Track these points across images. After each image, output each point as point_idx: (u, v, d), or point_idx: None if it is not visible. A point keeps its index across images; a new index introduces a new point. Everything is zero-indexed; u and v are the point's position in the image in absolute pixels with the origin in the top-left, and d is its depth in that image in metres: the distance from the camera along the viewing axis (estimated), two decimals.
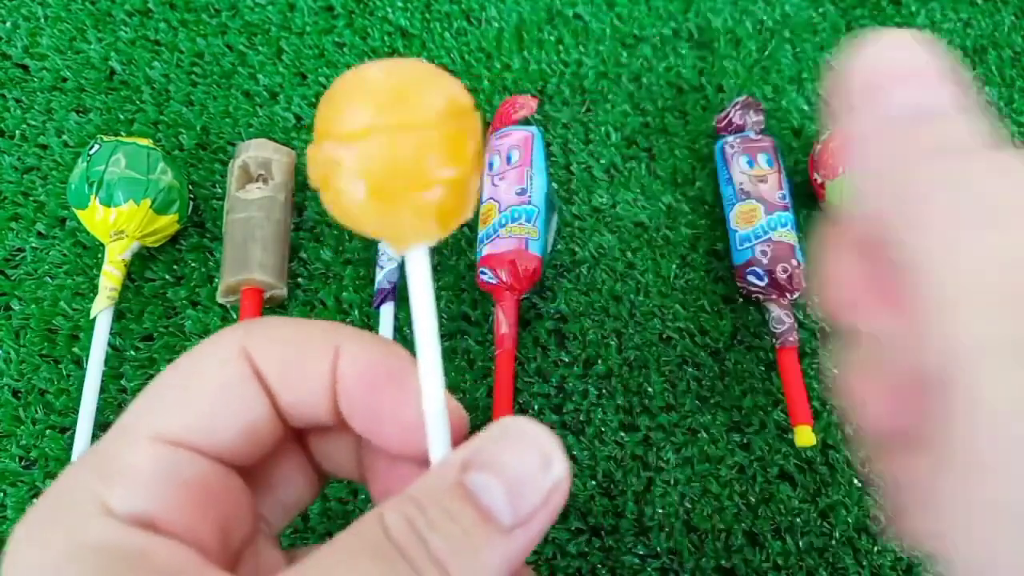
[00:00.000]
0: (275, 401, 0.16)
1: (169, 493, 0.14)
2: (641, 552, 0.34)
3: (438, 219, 0.15)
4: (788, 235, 0.38)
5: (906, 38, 0.14)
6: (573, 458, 0.35)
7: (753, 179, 0.39)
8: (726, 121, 0.41)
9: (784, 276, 0.37)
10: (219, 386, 0.15)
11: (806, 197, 0.41)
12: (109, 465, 0.15)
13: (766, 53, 0.46)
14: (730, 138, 0.41)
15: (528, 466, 0.14)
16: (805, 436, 0.34)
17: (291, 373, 0.16)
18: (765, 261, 0.37)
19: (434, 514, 0.13)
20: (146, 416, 0.15)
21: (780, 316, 0.37)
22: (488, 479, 0.14)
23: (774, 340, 0.37)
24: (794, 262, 0.37)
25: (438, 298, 0.39)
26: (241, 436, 0.16)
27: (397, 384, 0.16)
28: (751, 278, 0.37)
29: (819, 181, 0.39)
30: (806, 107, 0.45)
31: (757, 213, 0.38)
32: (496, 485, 0.14)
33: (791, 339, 0.36)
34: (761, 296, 0.38)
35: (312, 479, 0.19)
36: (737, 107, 0.41)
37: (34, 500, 0.33)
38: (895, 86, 0.14)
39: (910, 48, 0.14)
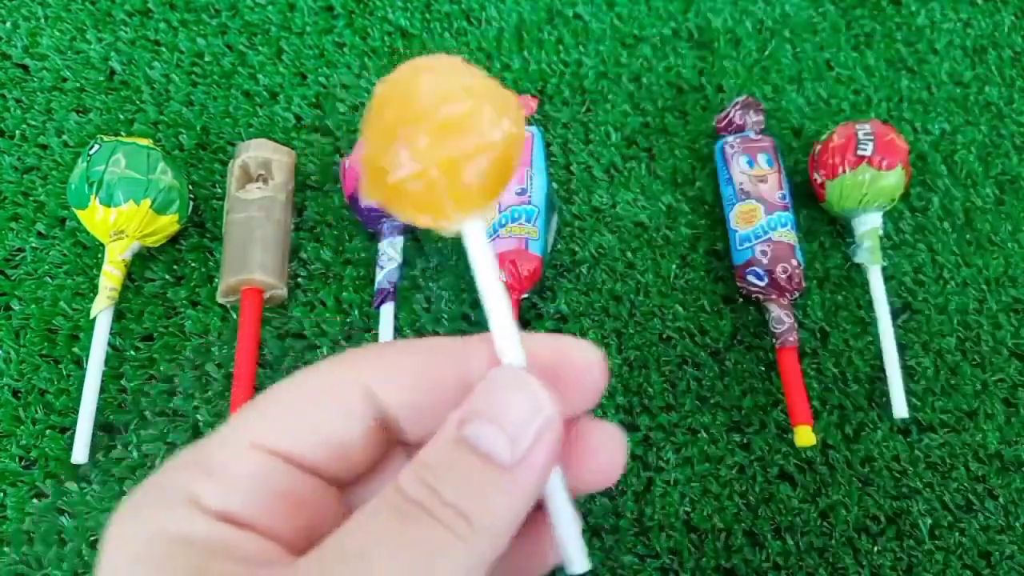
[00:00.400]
0: (400, 426, 0.17)
1: (259, 496, 0.15)
2: (641, 552, 0.34)
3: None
4: (788, 235, 0.38)
5: None
6: None
7: (753, 179, 0.39)
8: (726, 121, 0.41)
9: (784, 276, 0.37)
10: (325, 405, 0.16)
11: (806, 197, 0.41)
12: (205, 464, 0.15)
13: (766, 53, 0.46)
14: (730, 138, 0.41)
15: (519, 409, 0.15)
16: (805, 436, 0.34)
17: (414, 392, 0.17)
18: (765, 261, 0.37)
19: (441, 468, 0.15)
20: (251, 423, 0.16)
21: (780, 316, 0.37)
22: (483, 427, 0.15)
23: (774, 340, 0.37)
24: (794, 262, 0.37)
25: (438, 299, 0.39)
26: (348, 459, 0.16)
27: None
28: (751, 278, 0.37)
29: (819, 181, 0.39)
30: (806, 107, 0.45)
31: (757, 213, 0.38)
32: (492, 431, 0.15)
33: (791, 339, 0.36)
34: (761, 296, 0.38)
35: None
36: (737, 107, 0.41)
37: (34, 500, 0.33)
38: None
39: None
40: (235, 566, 0.14)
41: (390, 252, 0.37)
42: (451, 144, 0.15)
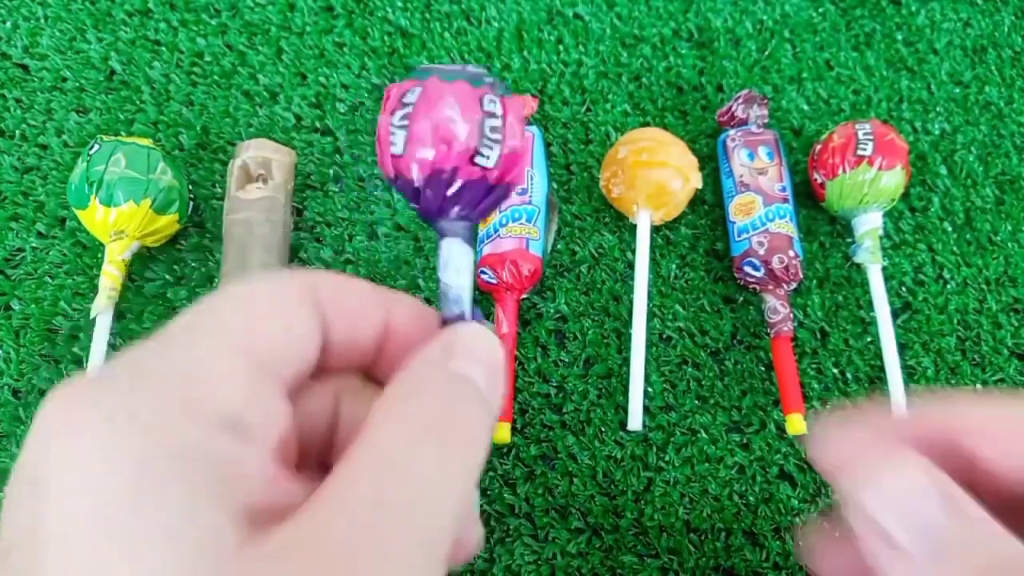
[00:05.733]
0: (327, 340, 0.17)
1: (258, 410, 0.14)
2: (641, 552, 0.34)
3: None
4: (786, 226, 0.38)
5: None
6: (573, 458, 0.35)
7: (753, 171, 0.39)
8: (728, 115, 0.41)
9: (780, 266, 0.37)
10: (294, 314, 0.16)
11: (805, 197, 0.41)
12: (196, 372, 0.14)
13: (766, 53, 0.46)
14: (732, 132, 0.41)
15: (490, 356, 0.17)
16: (796, 424, 0.34)
17: (352, 318, 0.17)
18: (762, 252, 0.37)
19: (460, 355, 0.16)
20: (229, 327, 0.15)
21: (775, 306, 0.37)
22: (467, 364, 0.16)
23: (769, 330, 0.37)
24: (791, 252, 0.37)
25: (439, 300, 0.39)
26: (302, 370, 0.16)
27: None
28: (748, 268, 0.37)
29: (819, 181, 0.39)
30: (806, 107, 0.45)
31: (755, 205, 0.38)
32: (475, 369, 0.16)
33: (785, 328, 0.36)
34: (757, 286, 0.38)
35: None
36: (739, 101, 0.41)
37: None
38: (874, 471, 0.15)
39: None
40: (250, 487, 0.13)
41: (460, 262, 0.29)
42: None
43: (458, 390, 0.16)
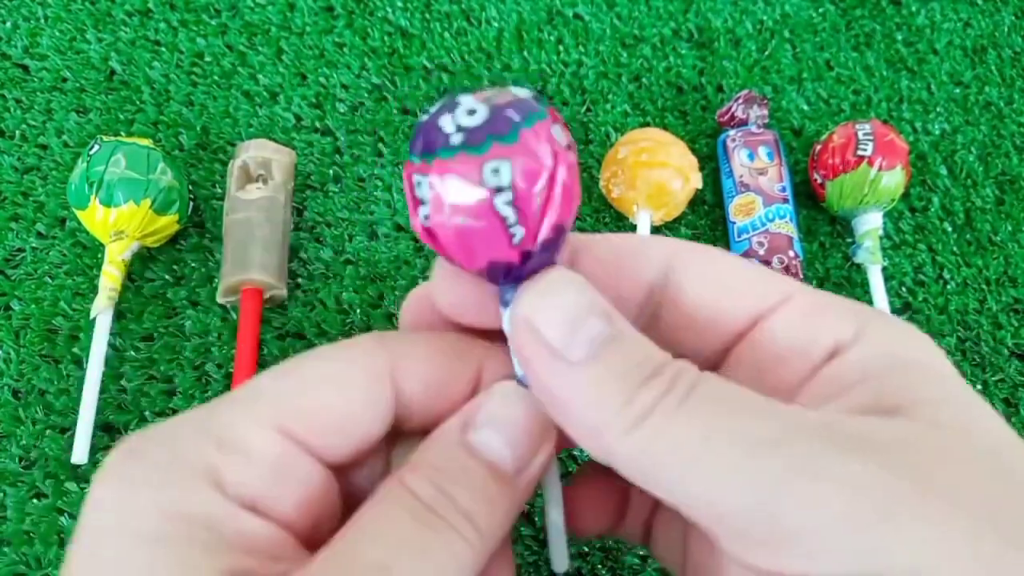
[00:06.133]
0: (405, 414, 0.17)
1: (280, 485, 0.15)
2: (641, 552, 0.34)
3: None
4: (786, 226, 0.38)
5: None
6: (573, 458, 0.35)
7: (753, 172, 0.39)
8: (728, 115, 0.41)
9: (780, 267, 0.37)
10: (354, 396, 0.16)
11: (805, 197, 0.41)
12: (225, 439, 0.14)
13: (766, 53, 0.46)
14: (732, 132, 0.41)
15: (522, 421, 0.16)
16: None
17: (437, 388, 0.17)
18: (762, 252, 0.37)
19: (451, 473, 0.15)
20: (280, 401, 0.15)
21: None
22: (489, 435, 0.15)
23: None
24: (791, 253, 0.37)
25: None
26: (357, 446, 0.16)
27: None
28: None
29: (819, 181, 0.39)
30: (806, 107, 0.45)
31: (755, 205, 0.38)
32: (497, 440, 0.15)
33: None
34: None
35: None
36: (739, 101, 0.41)
37: (34, 500, 0.33)
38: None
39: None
40: (252, 559, 0.13)
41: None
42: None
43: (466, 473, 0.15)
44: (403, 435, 0.18)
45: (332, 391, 0.16)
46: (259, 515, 0.14)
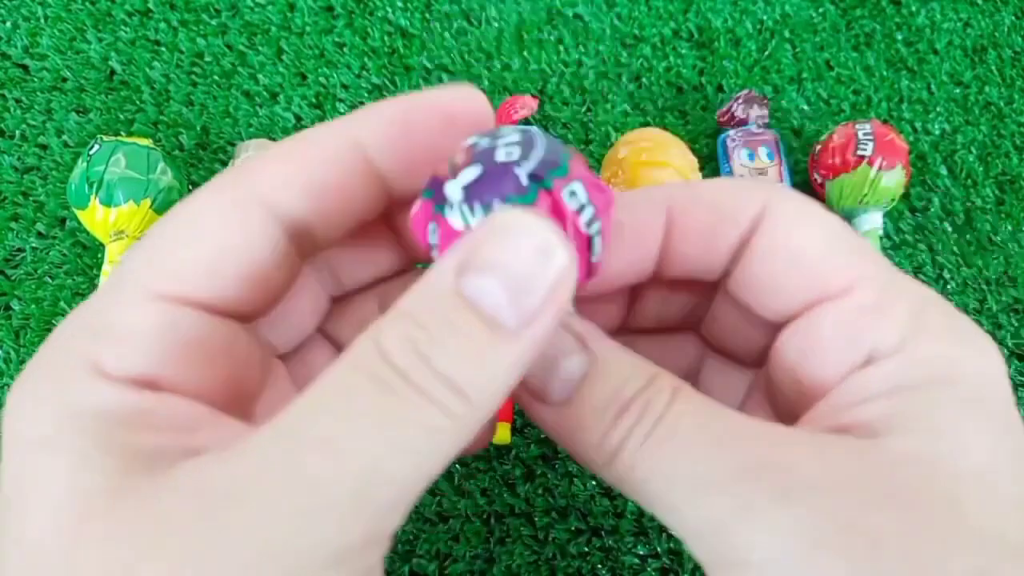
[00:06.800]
0: (321, 237, 0.15)
1: (168, 353, 0.13)
2: (641, 552, 0.34)
3: None
4: None
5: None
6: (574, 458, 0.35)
7: (753, 172, 0.39)
8: (728, 115, 0.41)
9: None
10: (224, 238, 0.14)
11: None
12: (102, 325, 0.13)
13: (766, 53, 0.46)
14: (732, 132, 0.41)
15: (527, 260, 0.13)
16: None
17: (341, 201, 0.15)
18: None
19: (435, 328, 0.12)
20: (144, 270, 0.14)
21: None
22: (486, 281, 0.12)
23: None
24: None
25: None
26: (252, 291, 0.14)
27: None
28: None
29: (819, 181, 0.39)
30: (806, 107, 0.45)
31: None
32: (496, 286, 0.12)
33: None
34: None
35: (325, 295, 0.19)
36: (739, 101, 0.41)
37: None
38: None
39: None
40: (159, 435, 0.13)
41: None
42: None
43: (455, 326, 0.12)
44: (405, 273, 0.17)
45: (194, 235, 0.14)
46: (156, 390, 0.13)
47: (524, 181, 0.14)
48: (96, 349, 0.13)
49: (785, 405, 0.17)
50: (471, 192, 0.14)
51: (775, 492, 0.13)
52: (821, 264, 0.16)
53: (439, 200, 0.14)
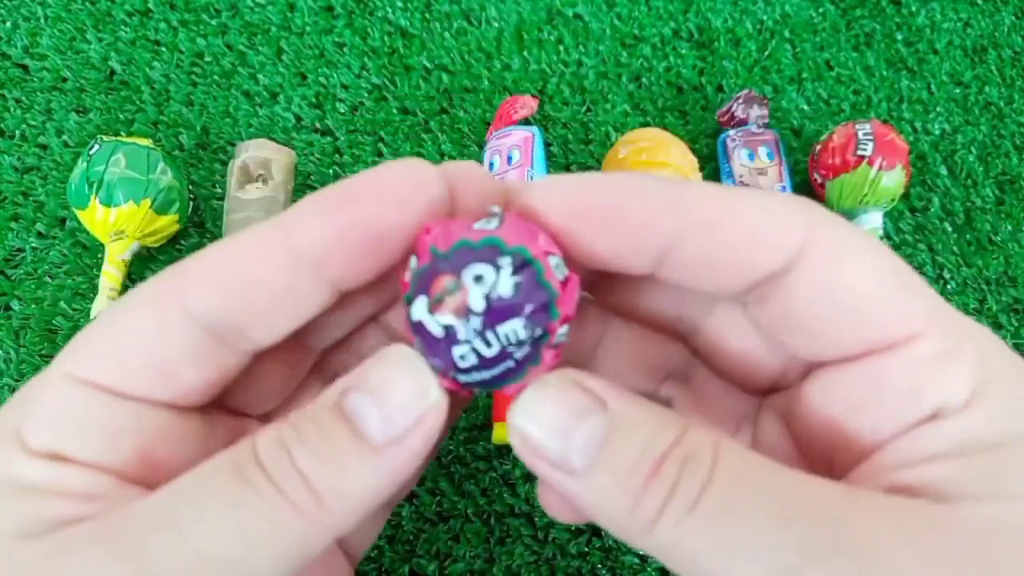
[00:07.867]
0: (251, 343, 0.16)
1: (73, 430, 0.15)
2: (641, 552, 0.34)
3: None
4: None
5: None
6: None
7: (753, 172, 0.39)
8: (728, 115, 0.41)
9: None
10: (137, 326, 0.15)
11: (805, 197, 0.41)
12: (29, 400, 0.15)
13: (766, 53, 0.46)
14: (732, 131, 0.41)
15: (404, 391, 0.14)
16: None
17: (264, 316, 0.16)
18: None
19: (305, 430, 0.14)
20: (67, 352, 0.15)
21: None
22: (363, 400, 0.14)
23: None
24: None
25: None
26: (160, 376, 0.15)
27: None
28: None
29: (819, 181, 0.39)
30: (806, 107, 0.45)
31: None
32: (371, 405, 0.14)
33: None
34: None
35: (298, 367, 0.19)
36: (739, 101, 0.41)
37: None
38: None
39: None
40: (61, 503, 0.14)
41: None
42: None
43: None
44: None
45: (110, 322, 0.15)
46: (65, 462, 0.14)
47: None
48: (21, 422, 0.15)
49: (818, 449, 0.16)
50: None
51: (823, 560, 0.12)
52: (878, 308, 0.14)
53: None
